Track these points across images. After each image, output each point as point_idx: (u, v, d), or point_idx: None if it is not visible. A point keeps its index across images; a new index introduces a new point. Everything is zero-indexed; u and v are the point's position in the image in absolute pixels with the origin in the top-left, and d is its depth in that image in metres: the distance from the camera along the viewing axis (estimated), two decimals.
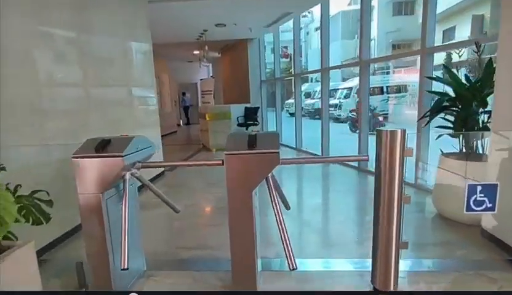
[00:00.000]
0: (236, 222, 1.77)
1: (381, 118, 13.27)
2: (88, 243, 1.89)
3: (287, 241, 1.55)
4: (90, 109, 3.45)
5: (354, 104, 16.54)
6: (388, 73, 19.25)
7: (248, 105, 8.97)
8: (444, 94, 2.87)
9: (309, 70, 13.14)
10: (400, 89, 17.42)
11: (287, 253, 1.52)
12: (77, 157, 1.78)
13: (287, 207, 2.16)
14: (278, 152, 1.63)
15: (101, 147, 1.79)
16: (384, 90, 16.78)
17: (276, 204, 1.64)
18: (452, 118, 2.88)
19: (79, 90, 3.32)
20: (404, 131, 1.71)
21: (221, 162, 1.75)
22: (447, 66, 3.12)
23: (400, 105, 16.81)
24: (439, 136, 2.98)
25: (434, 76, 3.41)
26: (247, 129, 8.67)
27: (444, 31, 15.17)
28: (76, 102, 3.26)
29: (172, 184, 4.98)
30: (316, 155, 6.36)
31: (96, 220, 1.83)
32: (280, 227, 1.58)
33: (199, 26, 6.98)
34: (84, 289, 1.97)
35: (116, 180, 1.86)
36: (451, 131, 2.91)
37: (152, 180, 4.87)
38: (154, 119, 5.06)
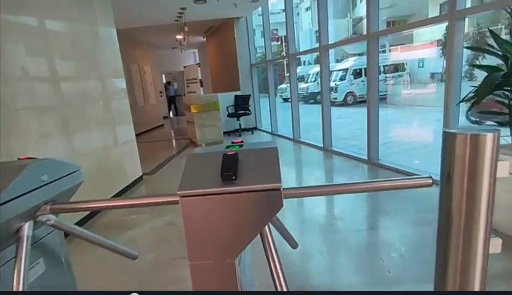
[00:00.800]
0: None
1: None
2: None
3: None
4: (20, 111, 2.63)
5: (350, 87, 15.81)
6: (383, 51, 18.38)
7: (238, 93, 8.15)
8: (496, 69, 2.13)
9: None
10: (397, 68, 16.68)
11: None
12: None
13: (294, 246, 1.45)
14: (279, 189, 0.88)
15: None
16: (381, 69, 16.02)
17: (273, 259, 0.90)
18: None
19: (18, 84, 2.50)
20: (496, 135, 0.96)
21: (177, 200, 1.00)
22: (494, 32, 2.36)
23: (398, 85, 16.11)
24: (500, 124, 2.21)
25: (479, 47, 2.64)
26: (238, 119, 7.88)
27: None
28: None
29: (152, 193, 4.22)
30: (318, 146, 5.62)
31: None
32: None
33: (175, 3, 6.06)
34: None
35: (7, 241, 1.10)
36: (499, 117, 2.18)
37: (127, 188, 4.11)
38: (122, 115, 4.24)
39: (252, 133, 7.99)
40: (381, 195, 3.20)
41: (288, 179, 4.19)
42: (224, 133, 7.89)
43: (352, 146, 6.21)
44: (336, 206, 3.20)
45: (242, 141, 1.23)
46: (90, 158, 3.39)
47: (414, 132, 7.55)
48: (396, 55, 18.84)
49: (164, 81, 15.61)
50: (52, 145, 2.83)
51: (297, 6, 26.99)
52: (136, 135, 9.11)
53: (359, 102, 15.21)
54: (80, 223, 3.06)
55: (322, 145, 5.48)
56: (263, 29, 7.35)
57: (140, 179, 4.55)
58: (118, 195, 3.89)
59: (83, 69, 3.40)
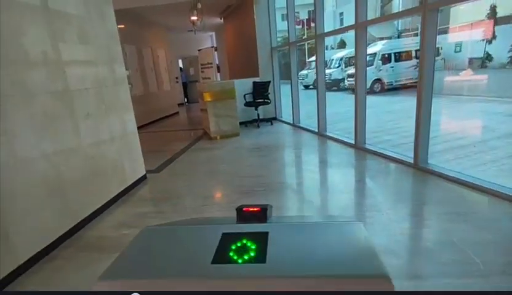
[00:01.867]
0: None
1: None
2: None
3: None
4: None
5: (378, 73, 14.61)
6: (416, 35, 16.84)
7: (257, 79, 7.39)
8: None
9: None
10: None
11: None
12: None
13: None
14: None
15: None
16: (413, 54, 14.67)
17: None
18: None
19: None
20: None
21: None
22: None
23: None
24: None
25: None
26: (256, 109, 7.15)
27: None
28: None
29: (154, 197, 3.62)
30: (348, 143, 4.83)
31: None
32: None
33: None
34: None
35: None
36: None
37: (126, 191, 3.54)
38: (120, 105, 3.63)
39: (272, 124, 7.26)
40: None
41: (318, 194, 3.48)
42: (241, 123, 7.21)
43: (386, 142, 5.38)
44: None
45: (265, 208, 0.58)
46: (75, 158, 2.81)
47: (459, 126, 6.55)
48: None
49: (181, 65, 15.02)
50: (20, 143, 2.25)
51: None
52: (149, 124, 8.75)
53: (388, 90, 14.06)
54: (69, 234, 2.52)
55: (353, 142, 4.69)
56: (286, 5, 6.48)
57: (143, 178, 3.97)
58: (114, 201, 3.32)
59: (65, 51, 2.77)
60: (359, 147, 4.54)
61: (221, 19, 10.45)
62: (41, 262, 2.30)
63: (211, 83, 6.34)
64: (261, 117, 7.37)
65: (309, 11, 20.43)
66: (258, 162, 4.42)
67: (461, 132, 5.86)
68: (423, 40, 3.22)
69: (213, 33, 14.21)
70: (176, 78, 13.45)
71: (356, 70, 4.48)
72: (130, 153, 3.74)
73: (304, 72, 16.46)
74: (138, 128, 8.43)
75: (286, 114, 7.42)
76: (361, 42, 4.27)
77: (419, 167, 3.49)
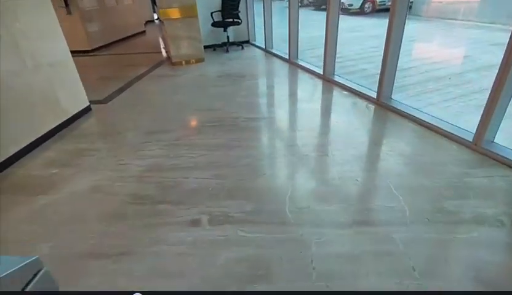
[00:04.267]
0: None
1: None
2: None
3: None
4: None
5: None
6: None
7: None
8: None
9: None
10: None
11: None
12: None
13: None
14: None
15: None
16: None
17: None
18: None
19: None
20: None
21: None
22: None
23: None
24: None
25: None
26: (225, 30, 6.43)
27: None
28: None
29: (94, 132, 3.33)
30: (317, 73, 4.45)
31: None
32: None
33: None
34: None
35: None
36: None
37: (66, 124, 3.25)
38: (40, 28, 3.05)
39: (242, 48, 6.63)
40: None
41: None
42: (209, 46, 6.58)
43: (360, 72, 5.05)
44: None
45: None
46: None
47: (441, 55, 6.16)
48: None
49: None
50: None
51: None
52: (106, 46, 7.81)
53: (379, 11, 12.94)
54: None
55: (322, 73, 4.33)
56: None
57: (86, 110, 3.62)
58: (51, 135, 3.04)
59: None
60: (327, 79, 4.21)
61: None
62: None
63: None
64: (232, 40, 6.70)
65: None
66: (216, 93, 4.08)
67: (442, 62, 5.52)
68: None
69: None
70: None
71: None
72: (64, 82, 3.30)
73: None
74: (92, 50, 7.63)
75: (261, 36, 6.74)
76: None
77: (381, 103, 3.27)
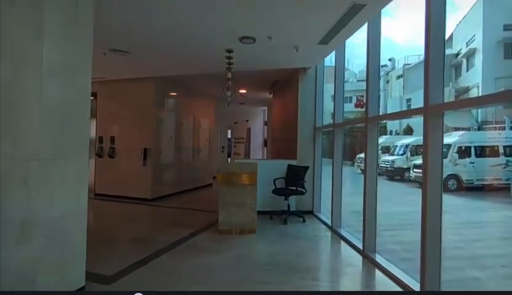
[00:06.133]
0: None
1: None
2: None
3: None
4: None
5: (453, 168, 12.22)
6: (503, 128, 14.28)
7: (293, 162, 6.11)
8: None
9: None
10: None
11: None
12: None
13: None
14: None
15: None
16: (501, 150, 12.16)
17: None
18: None
19: None
20: None
21: None
22: None
23: None
24: None
25: None
26: (286, 198, 5.71)
27: None
28: None
29: None
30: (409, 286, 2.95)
31: None
32: None
33: (220, 43, 4.70)
34: None
35: None
36: None
37: None
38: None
39: (304, 220, 5.62)
40: None
41: None
42: (266, 212, 5.76)
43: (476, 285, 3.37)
44: None
45: None
46: None
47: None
48: None
49: (229, 136, 14.73)
50: None
51: (387, 74, 25.03)
52: (170, 195, 7.82)
53: (467, 189, 11.38)
54: None
55: (419, 285, 2.83)
56: (334, 84, 5.43)
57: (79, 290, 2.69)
58: None
59: None
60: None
61: (270, 94, 9.94)
62: None
63: (225, 164, 5.20)
64: (293, 209, 5.84)
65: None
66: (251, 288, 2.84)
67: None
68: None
69: (266, 108, 13.92)
70: (223, 147, 12.97)
71: (425, 163, 2.90)
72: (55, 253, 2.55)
73: (362, 155, 14.75)
74: (152, 199, 7.42)
75: (326, 207, 5.77)
76: (433, 129, 2.78)
77: None
